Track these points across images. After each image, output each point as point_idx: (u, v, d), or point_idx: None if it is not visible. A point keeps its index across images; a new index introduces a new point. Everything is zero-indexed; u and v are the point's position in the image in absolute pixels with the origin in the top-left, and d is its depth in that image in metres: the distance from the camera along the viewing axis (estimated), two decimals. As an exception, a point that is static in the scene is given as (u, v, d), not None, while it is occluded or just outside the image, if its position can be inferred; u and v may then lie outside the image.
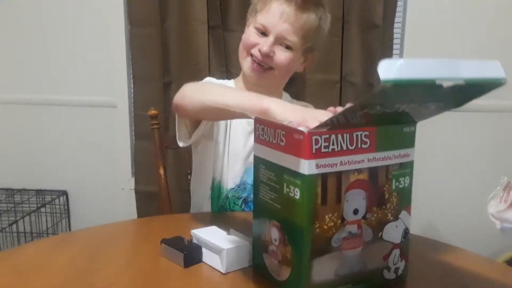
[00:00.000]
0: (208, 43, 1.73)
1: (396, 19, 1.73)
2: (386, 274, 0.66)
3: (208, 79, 1.13)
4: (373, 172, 0.62)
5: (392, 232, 0.65)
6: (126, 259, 0.79)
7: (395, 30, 1.74)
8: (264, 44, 1.03)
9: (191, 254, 0.74)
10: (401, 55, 1.82)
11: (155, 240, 0.79)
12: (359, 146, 0.60)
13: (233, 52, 1.69)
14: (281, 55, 1.05)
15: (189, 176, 1.39)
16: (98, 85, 1.93)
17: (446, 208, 1.88)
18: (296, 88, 1.72)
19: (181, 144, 1.07)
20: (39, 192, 1.97)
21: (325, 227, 0.59)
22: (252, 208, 1.11)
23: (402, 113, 0.61)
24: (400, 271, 0.67)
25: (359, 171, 0.61)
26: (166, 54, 1.77)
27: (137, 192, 1.87)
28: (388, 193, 0.63)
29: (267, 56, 1.04)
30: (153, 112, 1.31)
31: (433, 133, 1.83)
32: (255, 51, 1.05)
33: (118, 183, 1.97)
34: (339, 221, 0.60)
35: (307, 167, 0.57)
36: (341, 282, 0.63)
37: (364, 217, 0.62)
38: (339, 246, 0.61)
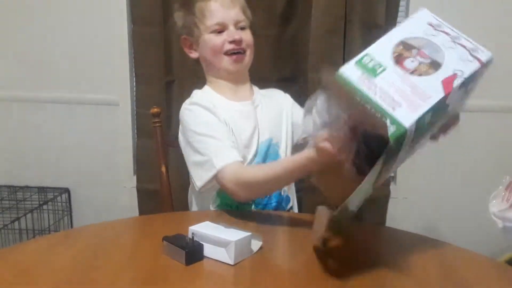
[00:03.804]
0: (211, 42, 1.73)
1: (398, 19, 1.73)
2: None
3: (195, 108, 1.10)
4: None
5: None
6: (128, 257, 0.79)
7: (397, 30, 1.74)
8: (231, 35, 1.12)
9: (192, 251, 0.75)
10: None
11: (157, 238, 0.79)
12: None
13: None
14: (246, 36, 1.15)
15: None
16: (100, 83, 1.93)
17: (448, 207, 1.88)
18: (299, 86, 1.73)
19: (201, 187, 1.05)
20: (41, 189, 1.98)
21: None
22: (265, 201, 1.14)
23: None
24: None
25: None
26: (169, 53, 1.77)
27: (139, 190, 1.87)
28: None
29: (240, 41, 1.12)
30: (155, 110, 1.32)
31: (435, 132, 1.83)
32: (228, 46, 1.12)
33: (120, 181, 1.97)
34: None
35: None
36: None
37: None
38: None
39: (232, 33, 1.12)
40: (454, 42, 0.76)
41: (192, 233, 0.78)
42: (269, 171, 0.98)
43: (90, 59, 1.91)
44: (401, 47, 0.74)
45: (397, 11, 1.71)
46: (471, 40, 0.77)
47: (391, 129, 0.66)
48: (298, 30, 1.73)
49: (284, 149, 1.18)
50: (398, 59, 0.73)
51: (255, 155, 1.13)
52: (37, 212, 1.91)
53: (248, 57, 1.16)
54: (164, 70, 1.77)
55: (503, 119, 1.81)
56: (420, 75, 0.72)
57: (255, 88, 1.25)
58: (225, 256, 0.74)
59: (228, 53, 1.12)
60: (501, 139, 1.83)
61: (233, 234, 0.76)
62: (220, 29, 1.12)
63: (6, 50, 1.94)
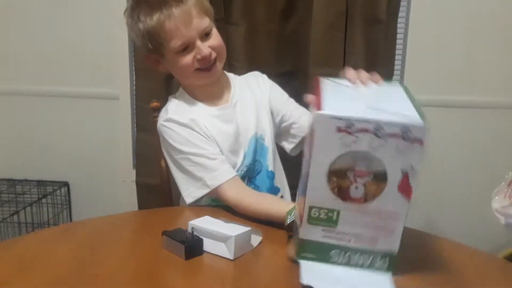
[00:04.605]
0: (211, 36, 1.72)
1: (400, 14, 1.72)
2: None
3: (172, 125, 1.06)
4: None
5: None
6: (128, 251, 0.79)
7: (398, 25, 1.73)
8: (199, 51, 1.03)
9: (192, 246, 0.75)
10: (404, 50, 1.81)
11: (156, 232, 0.79)
12: None
13: (236, 45, 1.68)
14: (214, 41, 1.06)
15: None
16: (100, 77, 1.92)
17: (450, 203, 1.88)
18: (299, 81, 1.72)
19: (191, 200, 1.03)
20: (40, 183, 1.98)
21: None
22: (256, 184, 1.15)
23: None
24: None
25: None
26: (169, 47, 1.76)
27: (138, 184, 1.87)
28: None
29: (210, 55, 1.05)
30: (155, 104, 1.31)
31: (437, 128, 1.82)
32: (198, 64, 1.05)
33: (119, 175, 1.97)
34: None
35: None
36: None
37: None
38: None
39: (200, 48, 1.03)
40: (380, 136, 0.62)
41: (192, 228, 0.78)
42: (262, 209, 0.93)
43: (90, 53, 1.91)
44: (334, 178, 0.64)
45: (398, 6, 1.70)
46: (391, 120, 0.62)
47: (384, 265, 0.68)
48: (299, 24, 1.72)
49: (269, 139, 1.17)
50: (342, 195, 0.65)
51: (244, 158, 1.12)
52: (36, 206, 1.92)
53: (220, 63, 1.10)
54: (164, 64, 1.77)
55: (505, 114, 1.81)
56: (374, 197, 0.65)
57: (232, 77, 1.21)
58: (225, 251, 0.74)
59: (200, 69, 1.07)
60: (504, 135, 1.83)
61: (233, 229, 0.76)
62: (185, 46, 1.04)
63: (6, 45, 1.94)
